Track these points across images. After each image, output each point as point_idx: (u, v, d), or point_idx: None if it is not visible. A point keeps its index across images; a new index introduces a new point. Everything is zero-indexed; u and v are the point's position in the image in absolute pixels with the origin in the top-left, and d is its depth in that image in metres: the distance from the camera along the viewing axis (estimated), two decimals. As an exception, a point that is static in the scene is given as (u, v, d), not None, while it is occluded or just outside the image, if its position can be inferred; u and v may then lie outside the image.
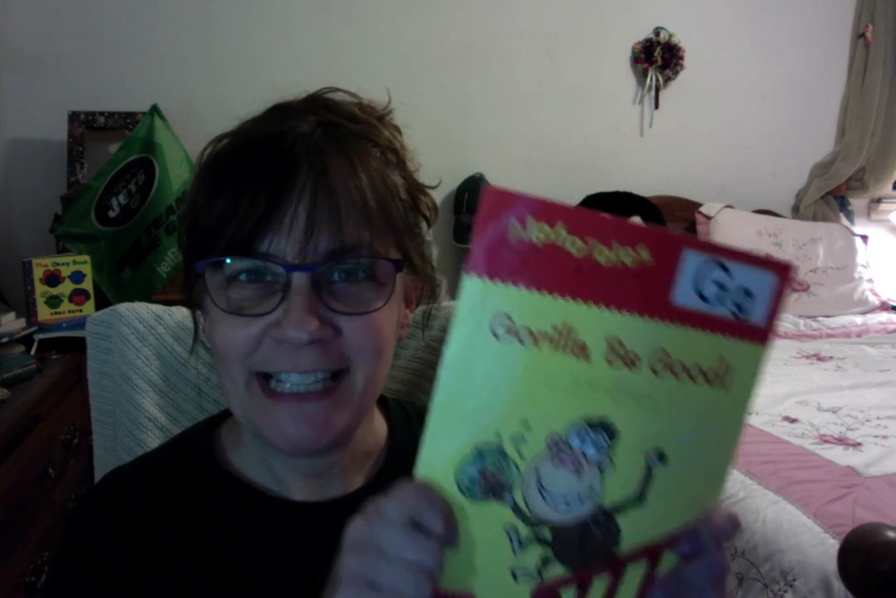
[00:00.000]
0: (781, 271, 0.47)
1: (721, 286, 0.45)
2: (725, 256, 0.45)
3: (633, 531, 0.47)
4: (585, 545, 0.46)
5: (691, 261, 0.44)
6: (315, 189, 0.56)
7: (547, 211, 0.42)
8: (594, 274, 0.42)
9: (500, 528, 0.45)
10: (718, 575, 0.48)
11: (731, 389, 0.47)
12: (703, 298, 0.45)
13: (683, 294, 0.44)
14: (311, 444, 0.59)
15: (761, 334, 0.47)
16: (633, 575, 0.48)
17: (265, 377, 0.59)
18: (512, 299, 0.42)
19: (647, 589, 0.48)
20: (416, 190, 0.65)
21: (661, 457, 0.46)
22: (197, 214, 0.60)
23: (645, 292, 0.44)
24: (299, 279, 0.56)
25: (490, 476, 0.44)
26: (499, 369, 0.43)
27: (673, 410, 0.46)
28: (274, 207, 0.56)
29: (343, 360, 0.58)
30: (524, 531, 0.46)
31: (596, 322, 0.43)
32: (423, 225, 0.66)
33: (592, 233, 0.42)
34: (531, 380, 0.44)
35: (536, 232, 0.42)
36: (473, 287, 0.42)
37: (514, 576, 0.46)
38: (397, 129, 0.67)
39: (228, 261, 0.57)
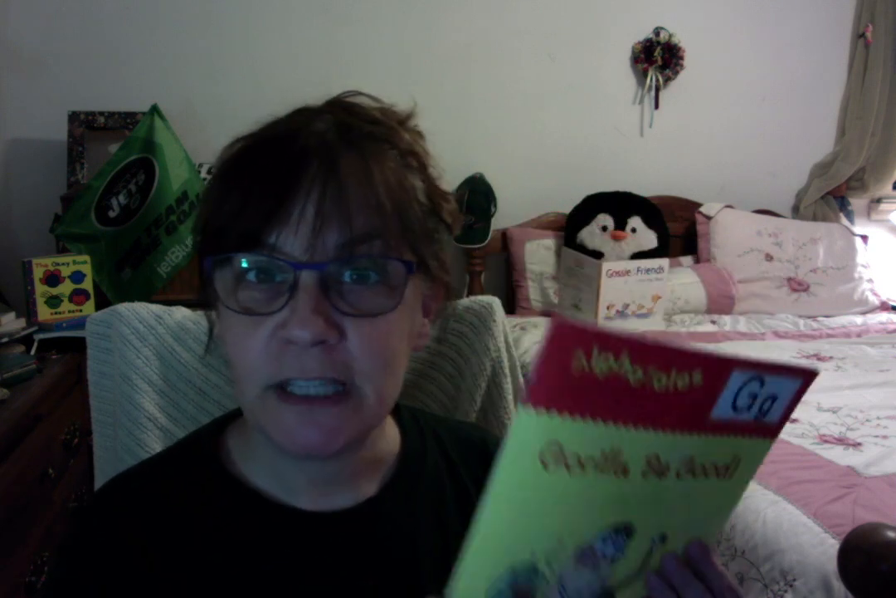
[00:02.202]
0: (806, 377, 0.48)
1: (753, 396, 0.46)
2: (766, 370, 0.46)
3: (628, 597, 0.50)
4: None
5: (736, 379, 0.45)
6: (324, 185, 0.55)
7: (613, 343, 0.41)
8: (648, 399, 0.43)
9: None
10: None
11: (735, 477, 0.49)
12: (735, 408, 0.46)
13: (721, 408, 0.45)
14: (320, 448, 0.58)
15: (773, 431, 0.49)
16: None
17: (279, 385, 0.58)
18: (566, 429, 0.42)
19: None
20: (438, 196, 0.64)
21: (663, 539, 0.49)
22: (209, 212, 0.60)
23: (689, 411, 0.45)
24: (307, 277, 0.55)
25: (520, 591, 0.45)
26: (544, 498, 0.44)
27: (681, 502, 0.48)
28: (282, 202, 0.55)
29: (347, 370, 0.57)
30: None
31: (640, 443, 0.44)
32: (444, 232, 0.65)
33: (653, 361, 0.42)
34: (573, 503, 0.44)
35: (601, 363, 0.41)
36: (529, 420, 0.41)
37: None
38: (420, 134, 0.66)
39: (236, 257, 0.56)
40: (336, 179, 0.56)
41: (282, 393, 0.57)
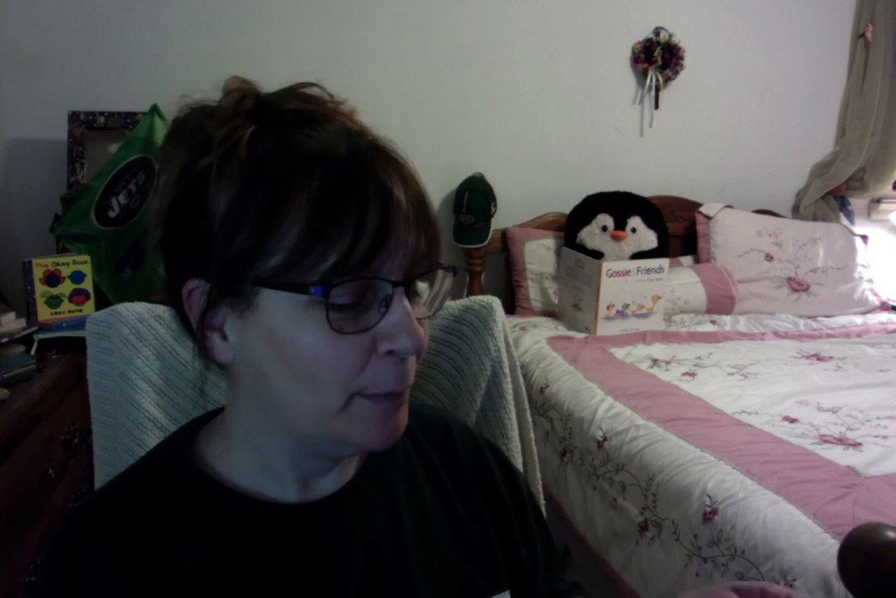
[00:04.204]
0: None
1: None
2: None
3: None
4: None
5: None
6: (415, 209, 0.59)
7: None
8: None
9: None
10: None
11: None
12: None
13: None
14: (397, 437, 0.62)
15: None
16: None
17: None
18: None
19: None
20: None
21: None
22: (267, 231, 0.56)
23: None
24: (399, 293, 0.58)
25: None
26: None
27: None
28: (385, 230, 0.56)
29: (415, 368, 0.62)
30: None
31: None
32: None
33: None
34: None
35: None
36: None
37: None
38: None
39: (345, 284, 0.56)
40: (423, 203, 0.60)
41: (370, 395, 0.59)
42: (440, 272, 0.64)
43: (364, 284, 0.57)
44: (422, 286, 0.65)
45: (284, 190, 0.56)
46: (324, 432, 0.60)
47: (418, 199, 0.60)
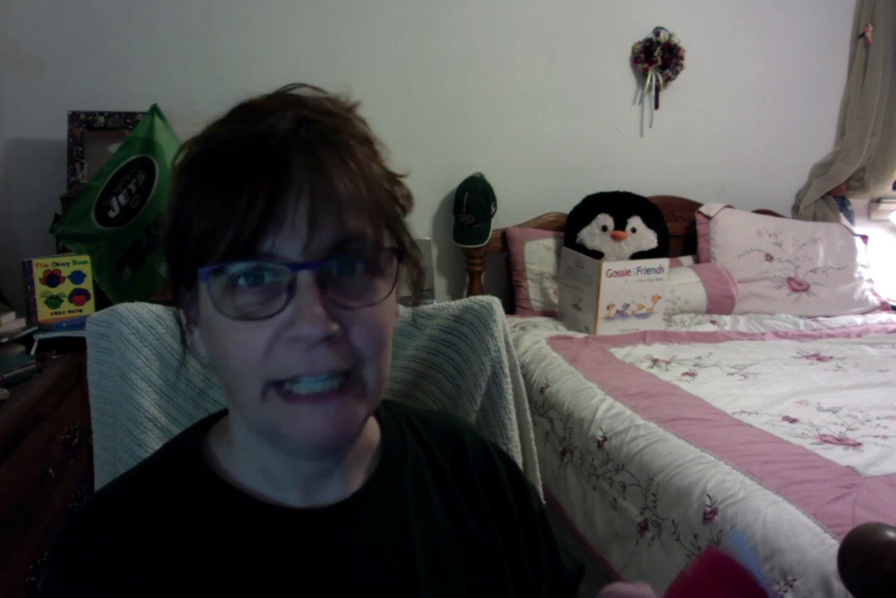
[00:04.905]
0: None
1: None
2: None
3: None
4: None
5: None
6: (313, 185, 0.55)
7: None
8: None
9: None
10: None
11: None
12: None
13: None
14: (334, 442, 0.59)
15: None
16: None
17: (280, 384, 0.58)
18: None
19: None
20: (393, 179, 0.64)
21: None
22: (187, 220, 0.58)
23: None
24: (305, 277, 0.55)
25: None
26: None
27: None
28: (273, 205, 0.55)
29: (353, 357, 0.58)
30: None
31: None
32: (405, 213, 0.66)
33: None
34: None
35: None
36: None
37: None
38: (363, 121, 0.65)
39: (231, 265, 0.56)
40: (323, 178, 0.56)
41: (287, 394, 0.57)
42: (386, 254, 0.60)
43: (264, 267, 0.56)
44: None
45: (195, 182, 0.58)
46: (268, 427, 0.59)
47: (350, 182, 0.57)
